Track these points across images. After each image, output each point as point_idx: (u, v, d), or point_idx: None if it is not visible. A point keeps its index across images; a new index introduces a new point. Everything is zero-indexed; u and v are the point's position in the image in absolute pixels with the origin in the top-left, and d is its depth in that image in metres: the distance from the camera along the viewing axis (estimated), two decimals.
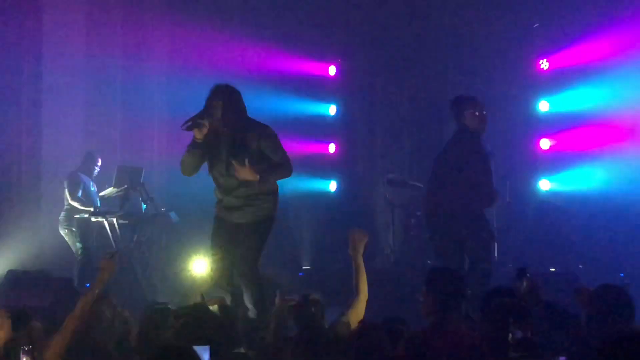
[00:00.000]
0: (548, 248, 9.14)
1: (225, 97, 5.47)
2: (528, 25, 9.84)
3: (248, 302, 5.57)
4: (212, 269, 5.55)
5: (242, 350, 4.25)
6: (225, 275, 5.60)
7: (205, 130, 5.39)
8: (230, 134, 5.50)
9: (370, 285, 6.85)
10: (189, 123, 5.38)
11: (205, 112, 5.43)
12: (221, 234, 5.68)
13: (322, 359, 3.96)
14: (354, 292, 4.98)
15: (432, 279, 4.33)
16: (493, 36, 9.78)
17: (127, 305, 6.57)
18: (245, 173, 5.40)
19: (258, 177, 5.41)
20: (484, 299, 4.14)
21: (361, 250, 5.02)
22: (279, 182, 5.79)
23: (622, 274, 8.52)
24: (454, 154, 6.57)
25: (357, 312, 4.86)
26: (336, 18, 10.69)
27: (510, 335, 3.53)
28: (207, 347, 3.45)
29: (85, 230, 9.41)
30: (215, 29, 10.43)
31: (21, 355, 3.75)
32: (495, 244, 9.08)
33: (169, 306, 4.76)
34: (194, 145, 5.47)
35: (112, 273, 4.63)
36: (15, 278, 7.85)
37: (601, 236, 8.89)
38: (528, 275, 4.50)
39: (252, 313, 5.56)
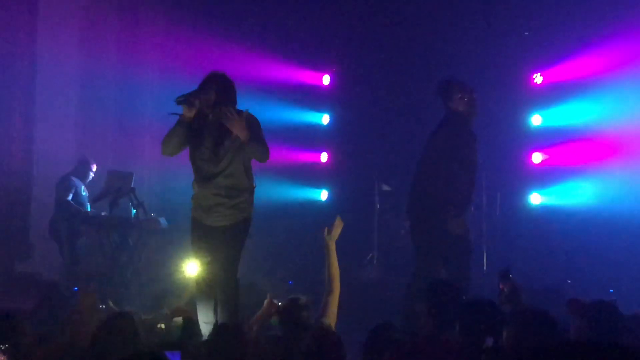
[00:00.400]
0: (537, 262, 9.14)
1: (220, 85, 5.46)
2: (522, 40, 9.87)
3: (221, 311, 5.46)
4: (198, 275, 5.52)
5: None
6: (211, 280, 5.53)
7: (194, 110, 5.38)
8: (217, 121, 5.46)
9: (358, 296, 6.88)
10: (182, 98, 5.36)
11: (198, 94, 5.42)
12: (200, 237, 5.61)
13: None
14: (327, 288, 4.94)
15: (431, 291, 4.35)
16: (487, 50, 9.80)
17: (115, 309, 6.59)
18: (237, 125, 5.31)
19: (248, 134, 5.32)
20: (460, 310, 4.11)
21: (335, 236, 5.07)
22: (265, 191, 5.78)
23: (611, 290, 8.53)
24: (441, 138, 6.39)
25: (333, 310, 4.86)
26: (331, 27, 10.72)
27: (485, 343, 3.52)
28: (178, 352, 3.44)
29: (74, 234, 9.37)
30: (209, 36, 10.43)
31: None
32: (485, 253, 9.15)
33: (134, 315, 4.73)
34: (180, 123, 5.44)
35: (89, 306, 4.64)
36: (2, 280, 7.83)
37: (591, 251, 8.89)
38: (510, 277, 4.52)
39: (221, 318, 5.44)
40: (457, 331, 3.97)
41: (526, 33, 9.80)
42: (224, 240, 5.52)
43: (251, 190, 5.64)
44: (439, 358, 3.89)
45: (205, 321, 5.47)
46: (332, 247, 5.12)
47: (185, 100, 5.36)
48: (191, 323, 4.89)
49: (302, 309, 4.92)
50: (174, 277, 6.99)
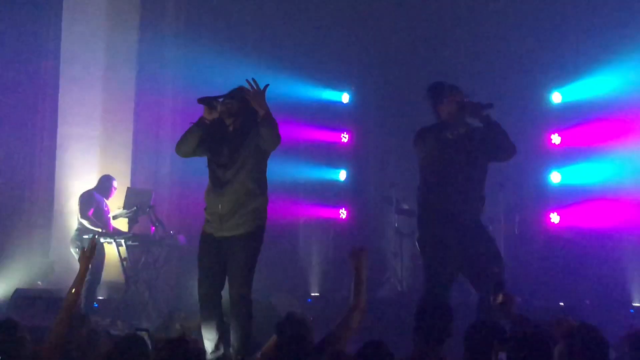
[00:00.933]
0: (556, 282, 9.09)
1: (237, 94, 5.49)
2: (542, 44, 9.81)
3: (234, 335, 5.38)
4: (200, 296, 5.45)
5: None
6: (216, 298, 5.49)
7: (214, 114, 5.44)
8: (236, 130, 5.51)
9: (375, 313, 6.82)
10: (204, 99, 5.44)
11: (223, 101, 5.48)
12: (209, 251, 5.53)
13: None
14: (351, 307, 4.89)
15: (421, 311, 4.34)
16: (506, 56, 9.78)
17: (132, 327, 6.64)
18: (258, 98, 5.34)
19: (267, 109, 5.33)
20: (467, 330, 4.10)
21: (365, 264, 4.93)
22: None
23: (631, 310, 8.48)
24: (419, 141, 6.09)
25: (350, 326, 4.81)
26: (350, 43, 10.77)
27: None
28: None
29: (95, 250, 9.43)
30: (228, 50, 10.46)
31: None
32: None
33: (148, 332, 4.75)
34: (198, 124, 5.48)
35: (87, 266, 4.66)
36: (22, 297, 7.90)
37: (610, 271, 8.83)
38: (504, 289, 4.53)
39: (234, 349, 5.37)
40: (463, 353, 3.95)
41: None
42: (237, 251, 5.42)
43: (265, 198, 5.59)
44: None
45: (209, 338, 5.43)
46: (363, 275, 4.95)
47: (206, 100, 5.44)
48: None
49: (300, 325, 4.83)
50: (190, 294, 7.01)
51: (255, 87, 5.37)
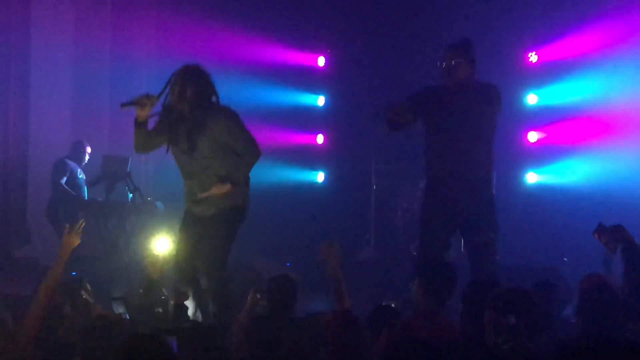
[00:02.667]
0: (533, 241, 9.17)
1: (188, 77, 5.18)
2: (518, 18, 9.83)
3: (210, 302, 5.35)
4: (174, 263, 5.35)
5: None
6: (186, 271, 5.39)
7: (147, 110, 5.17)
8: (190, 115, 5.21)
9: (355, 276, 6.84)
10: (125, 102, 5.19)
11: (161, 91, 5.22)
12: (186, 226, 5.45)
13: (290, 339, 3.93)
14: (336, 304, 4.80)
15: (425, 270, 4.36)
16: (483, 29, 9.75)
17: (110, 295, 6.61)
18: (220, 189, 5.20)
19: (230, 186, 5.18)
20: (467, 290, 4.12)
21: (337, 263, 4.83)
22: (261, 173, 5.67)
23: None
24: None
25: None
26: (326, 8, 10.68)
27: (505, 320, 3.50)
28: (174, 338, 3.45)
29: (70, 218, 9.35)
30: (203, 19, 10.38)
31: None
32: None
33: (124, 300, 4.73)
34: (136, 124, 5.23)
35: (73, 247, 4.59)
36: (1, 266, 7.85)
37: (587, 229, 8.89)
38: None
39: (210, 312, 5.33)
40: (460, 310, 3.97)
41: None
42: (207, 232, 5.34)
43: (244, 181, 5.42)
44: (435, 336, 3.92)
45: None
46: (338, 274, 4.86)
47: (130, 102, 5.17)
48: (179, 308, 4.88)
49: (292, 284, 4.89)
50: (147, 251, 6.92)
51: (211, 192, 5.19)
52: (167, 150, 5.39)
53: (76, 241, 4.63)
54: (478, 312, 3.70)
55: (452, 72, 5.85)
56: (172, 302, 4.99)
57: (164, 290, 5.31)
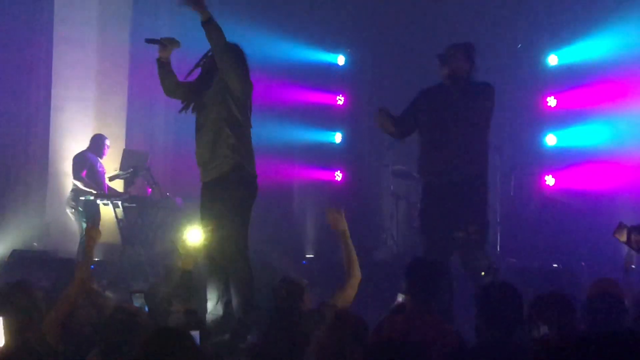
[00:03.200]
0: (551, 244, 9.13)
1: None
2: (537, 19, 9.76)
3: (232, 295, 5.27)
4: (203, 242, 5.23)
5: None
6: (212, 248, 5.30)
7: (167, 52, 5.43)
8: (206, 72, 5.47)
9: (372, 276, 6.86)
10: (150, 38, 5.46)
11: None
12: (202, 200, 5.48)
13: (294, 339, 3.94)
14: (346, 275, 4.89)
15: (413, 268, 4.34)
16: (503, 23, 9.73)
17: (129, 289, 6.65)
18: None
19: (202, 11, 5.18)
20: (481, 292, 4.10)
21: (344, 227, 4.90)
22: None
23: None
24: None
25: (346, 295, 4.81)
26: (346, 4, 10.67)
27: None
28: (197, 332, 3.47)
29: (90, 211, 9.43)
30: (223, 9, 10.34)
31: None
32: (499, 236, 9.14)
33: (144, 293, 4.76)
34: (158, 63, 5.50)
35: (97, 240, 4.68)
36: (20, 257, 7.90)
37: (606, 233, 8.84)
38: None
39: (235, 311, 5.24)
40: (475, 314, 3.94)
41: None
42: (213, 197, 5.34)
43: (238, 135, 5.35)
44: (419, 335, 3.87)
45: (209, 297, 5.37)
46: (347, 239, 4.93)
47: (154, 40, 5.44)
48: (188, 275, 4.88)
49: (304, 292, 4.80)
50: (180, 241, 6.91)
51: None
52: (184, 108, 5.53)
53: (99, 235, 4.72)
54: (494, 313, 3.71)
55: (447, 62, 5.91)
56: (179, 266, 4.98)
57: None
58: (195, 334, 3.39)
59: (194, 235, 5.02)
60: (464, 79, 5.93)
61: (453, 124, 5.87)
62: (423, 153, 6.07)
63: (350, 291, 4.82)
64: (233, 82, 5.26)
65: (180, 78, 5.56)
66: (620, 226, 4.78)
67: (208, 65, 5.45)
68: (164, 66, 5.48)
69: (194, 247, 4.99)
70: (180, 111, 5.60)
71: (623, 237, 4.76)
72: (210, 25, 5.20)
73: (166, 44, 5.43)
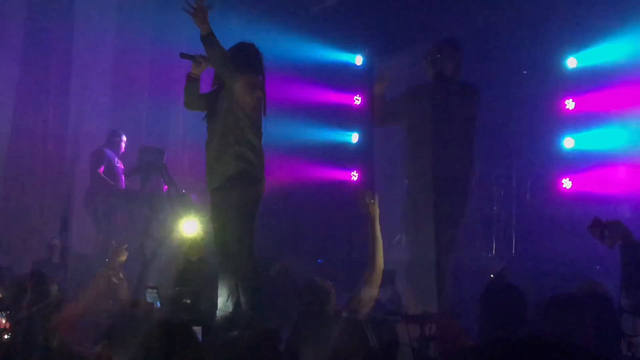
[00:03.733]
0: (567, 248, 9.07)
1: (243, 54, 5.56)
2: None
3: (242, 292, 5.31)
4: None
5: None
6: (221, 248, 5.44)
7: (200, 68, 5.52)
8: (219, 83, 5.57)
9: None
10: (185, 54, 5.54)
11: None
12: (212, 206, 5.61)
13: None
14: (369, 266, 4.88)
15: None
16: (522, 26, 9.66)
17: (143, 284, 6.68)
18: (199, 13, 5.26)
19: (207, 28, 5.24)
20: (484, 292, 4.09)
21: (375, 213, 4.89)
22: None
23: None
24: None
25: (372, 288, 4.80)
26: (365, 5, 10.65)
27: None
28: (199, 328, 3.50)
29: (107, 208, 9.48)
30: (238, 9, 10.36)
31: None
32: (514, 239, 9.11)
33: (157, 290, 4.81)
34: (187, 78, 5.58)
35: (120, 260, 4.75)
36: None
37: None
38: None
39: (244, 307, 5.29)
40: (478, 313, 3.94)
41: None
42: (220, 201, 5.47)
43: (244, 143, 5.43)
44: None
45: (220, 294, 5.43)
46: (375, 227, 4.93)
47: (189, 55, 5.51)
48: (191, 265, 4.93)
49: (321, 292, 4.81)
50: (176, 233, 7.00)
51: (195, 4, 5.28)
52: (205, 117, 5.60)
53: (123, 256, 4.82)
54: (497, 313, 3.72)
55: (433, 62, 5.91)
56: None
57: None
58: (198, 329, 3.42)
59: (190, 227, 5.15)
60: (450, 79, 5.94)
61: (439, 124, 5.87)
62: (409, 152, 6.07)
63: (375, 284, 4.81)
64: (237, 93, 5.38)
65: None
66: (595, 222, 4.79)
67: (219, 74, 5.52)
68: (193, 82, 5.57)
69: (194, 238, 5.09)
70: (203, 120, 5.66)
71: (597, 234, 4.76)
72: (206, 41, 5.28)
73: (200, 61, 5.49)
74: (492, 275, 5.72)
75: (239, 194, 5.41)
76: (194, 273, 5.17)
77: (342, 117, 11.05)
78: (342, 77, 10.95)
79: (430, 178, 5.91)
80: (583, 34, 9.54)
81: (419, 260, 5.68)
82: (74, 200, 10.21)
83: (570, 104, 9.72)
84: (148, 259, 8.27)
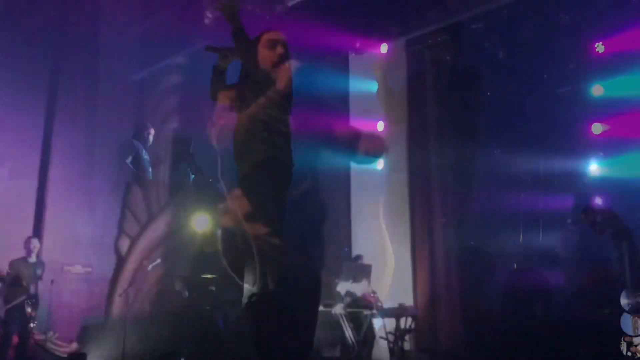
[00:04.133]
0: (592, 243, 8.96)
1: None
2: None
3: (269, 277, 5.12)
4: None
5: None
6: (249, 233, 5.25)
7: (227, 61, 5.45)
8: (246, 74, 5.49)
9: None
10: (211, 46, 5.42)
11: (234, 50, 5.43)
12: (240, 193, 5.37)
13: None
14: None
15: None
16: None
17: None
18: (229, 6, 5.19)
19: (239, 24, 5.18)
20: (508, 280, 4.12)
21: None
22: None
23: None
24: None
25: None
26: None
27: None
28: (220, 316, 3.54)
29: (134, 197, 9.58)
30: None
31: None
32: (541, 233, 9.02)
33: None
34: (213, 70, 5.51)
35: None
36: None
37: None
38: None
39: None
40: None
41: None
42: (245, 190, 5.27)
43: (272, 130, 5.29)
44: None
45: (246, 281, 5.32)
46: None
47: (215, 48, 5.43)
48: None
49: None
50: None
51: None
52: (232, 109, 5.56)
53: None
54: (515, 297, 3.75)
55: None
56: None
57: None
58: (219, 317, 3.46)
59: (202, 222, 5.06)
60: (447, 68, 5.94)
61: None
62: None
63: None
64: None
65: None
66: (587, 209, 4.80)
67: (247, 66, 5.54)
68: (219, 74, 5.53)
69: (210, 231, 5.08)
70: (230, 110, 5.69)
71: (589, 220, 4.78)
72: (236, 37, 5.24)
73: (227, 54, 5.44)
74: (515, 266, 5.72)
75: (267, 179, 5.31)
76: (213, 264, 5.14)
77: None
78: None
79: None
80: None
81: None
82: (100, 190, 10.30)
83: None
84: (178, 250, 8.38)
